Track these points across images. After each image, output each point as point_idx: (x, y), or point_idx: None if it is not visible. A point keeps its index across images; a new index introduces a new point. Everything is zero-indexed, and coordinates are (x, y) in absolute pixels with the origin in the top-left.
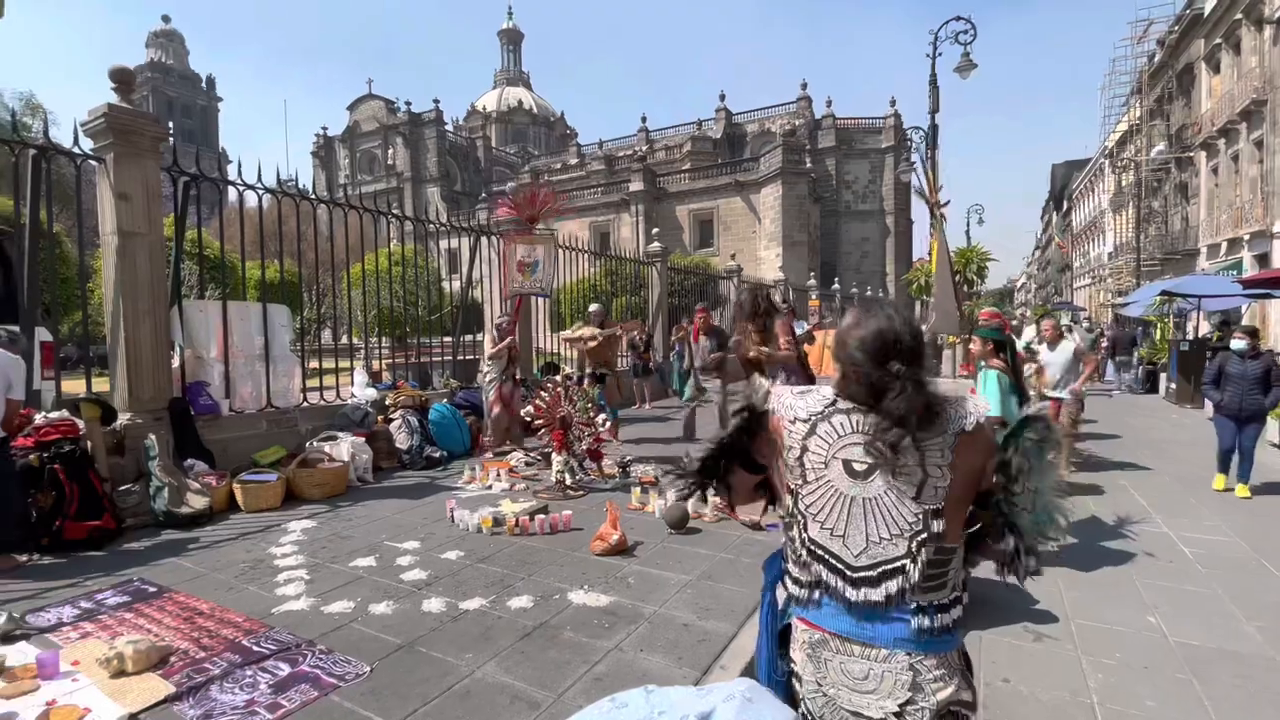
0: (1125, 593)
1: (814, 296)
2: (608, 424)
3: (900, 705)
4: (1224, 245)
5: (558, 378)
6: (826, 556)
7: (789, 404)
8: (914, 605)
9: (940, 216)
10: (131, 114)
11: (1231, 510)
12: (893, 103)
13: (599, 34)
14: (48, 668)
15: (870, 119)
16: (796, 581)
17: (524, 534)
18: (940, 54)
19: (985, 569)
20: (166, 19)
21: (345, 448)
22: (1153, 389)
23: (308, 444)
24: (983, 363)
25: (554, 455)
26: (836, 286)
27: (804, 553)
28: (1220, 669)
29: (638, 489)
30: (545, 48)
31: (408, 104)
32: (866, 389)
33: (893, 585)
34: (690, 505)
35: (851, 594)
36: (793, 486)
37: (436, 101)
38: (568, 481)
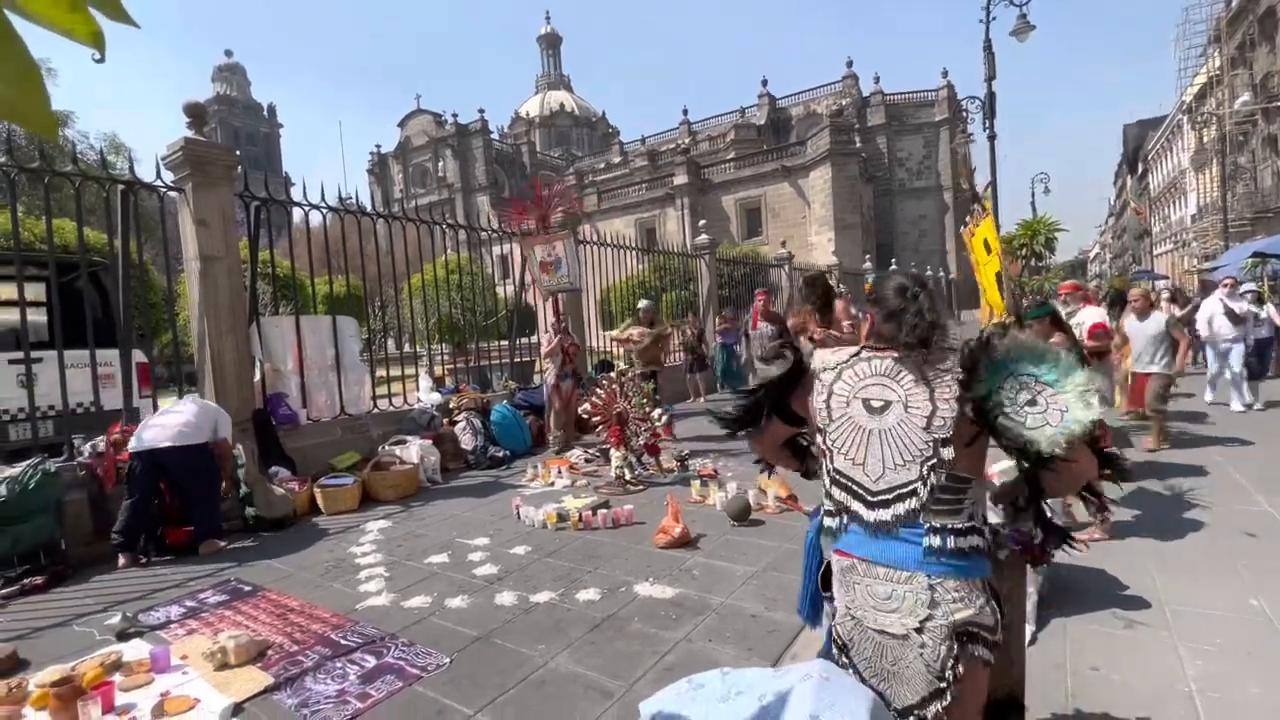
0: (1224, 576)
1: (870, 280)
2: (665, 417)
3: (920, 622)
4: None
5: (613, 374)
6: (848, 484)
7: (823, 358)
8: (926, 526)
9: (978, 199)
10: (206, 145)
11: None
12: (944, 74)
13: (635, 31)
14: (160, 662)
15: (921, 92)
16: (829, 513)
17: (587, 529)
18: (994, 18)
19: (1069, 555)
20: (229, 53)
21: (415, 450)
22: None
23: (380, 448)
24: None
25: (612, 451)
26: (894, 267)
27: (829, 482)
28: None
29: (697, 482)
30: (584, 50)
31: (454, 116)
32: (892, 322)
33: (904, 506)
34: (751, 497)
35: (868, 515)
36: (821, 425)
37: (481, 111)
38: (627, 476)
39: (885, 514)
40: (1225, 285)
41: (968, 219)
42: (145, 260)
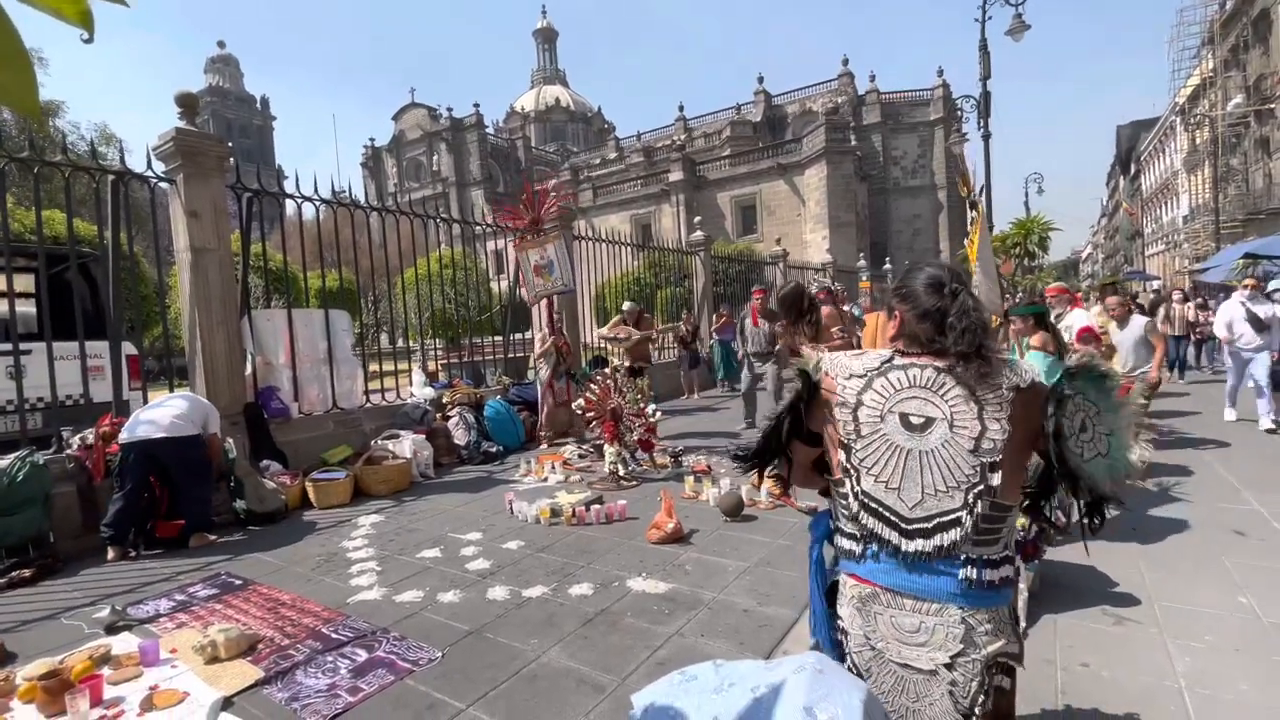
0: (1213, 573)
1: (864, 278)
2: (658, 414)
3: (951, 657)
4: None
5: (606, 370)
6: (879, 509)
7: (843, 363)
8: (964, 558)
9: (975, 206)
10: (198, 136)
11: None
12: (940, 72)
13: (632, 26)
14: (149, 655)
15: (917, 91)
16: (849, 536)
17: (581, 524)
18: (990, 17)
19: (1060, 553)
20: (222, 44)
21: (407, 445)
22: None
23: (372, 442)
24: (1026, 340)
25: (606, 447)
26: (888, 266)
27: (856, 505)
28: None
29: (690, 478)
30: (580, 44)
31: (449, 110)
32: (929, 322)
33: (946, 537)
34: (744, 493)
35: (905, 545)
36: (845, 441)
37: (476, 105)
38: (621, 472)
39: (926, 545)
40: (1246, 286)
41: (969, 227)
42: (136, 252)
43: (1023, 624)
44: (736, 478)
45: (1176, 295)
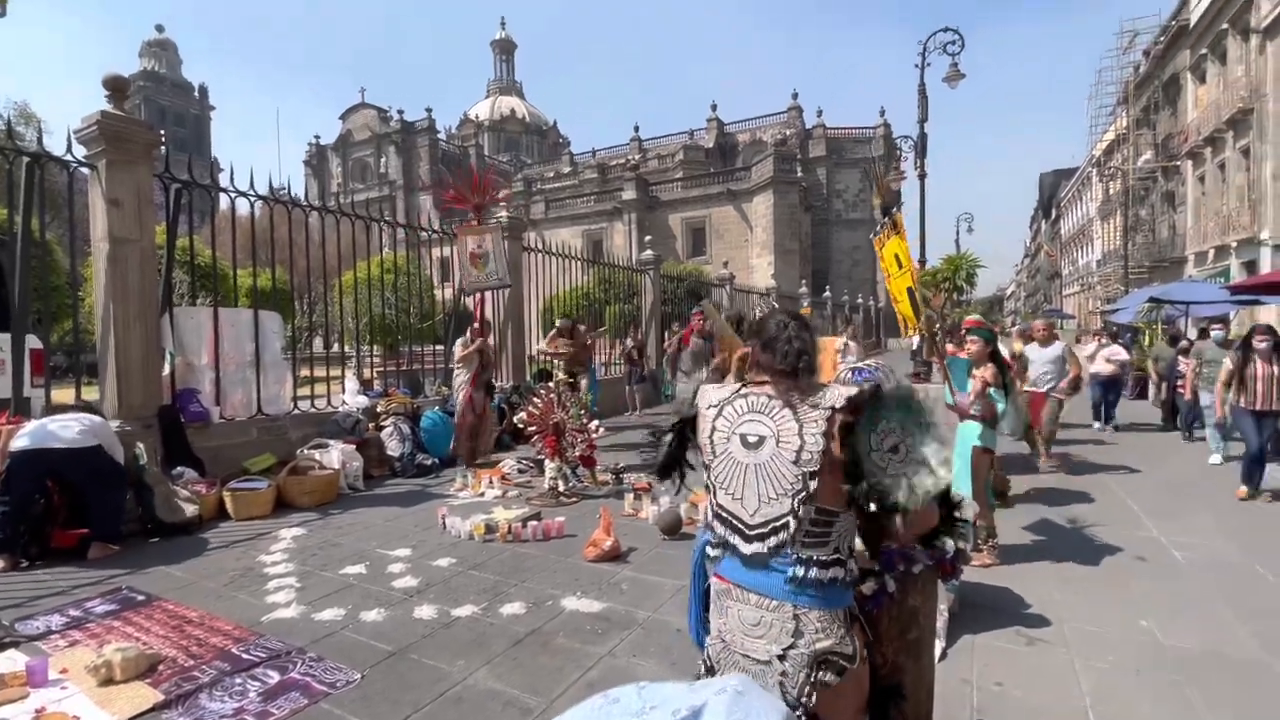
0: (1117, 597)
1: (805, 304)
2: (601, 429)
3: (784, 649)
4: (1211, 253)
5: (550, 384)
6: (729, 517)
7: (708, 396)
8: (794, 557)
9: (892, 221)
10: (124, 120)
11: (1222, 514)
12: (882, 112)
13: (591, 44)
14: (37, 675)
15: (860, 129)
16: (711, 543)
17: (516, 541)
18: (929, 64)
19: (979, 574)
20: (160, 28)
21: (336, 455)
22: (1141, 394)
23: (298, 452)
24: (967, 366)
25: (546, 462)
26: (828, 294)
27: (712, 515)
28: (1213, 672)
29: (630, 495)
30: (538, 58)
31: (400, 113)
32: (768, 351)
33: (774, 539)
34: (683, 511)
35: (745, 548)
36: (706, 461)
37: (429, 110)
38: (560, 488)
39: (761, 546)
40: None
41: (878, 227)
42: (50, 240)
43: (941, 644)
44: (676, 496)
45: (1216, 331)
